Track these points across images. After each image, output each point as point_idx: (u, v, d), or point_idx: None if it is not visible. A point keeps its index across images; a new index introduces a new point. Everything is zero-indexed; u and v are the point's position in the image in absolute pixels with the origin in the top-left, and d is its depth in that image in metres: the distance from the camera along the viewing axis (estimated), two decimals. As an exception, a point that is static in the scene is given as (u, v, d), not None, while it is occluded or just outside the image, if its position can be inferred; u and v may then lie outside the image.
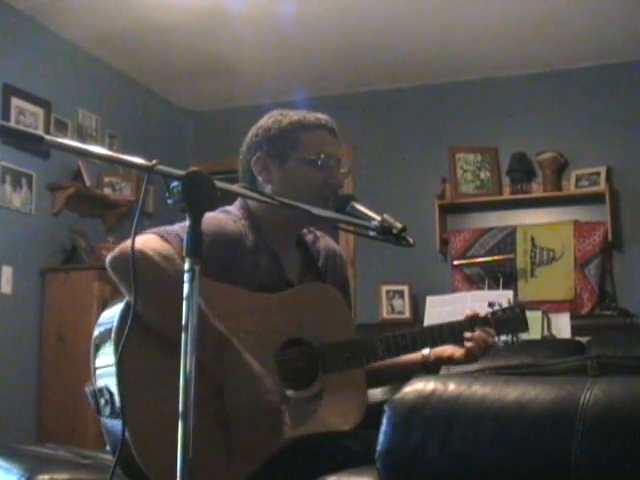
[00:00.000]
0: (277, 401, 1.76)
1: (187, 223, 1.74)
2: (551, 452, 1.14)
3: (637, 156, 5.11)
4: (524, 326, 2.20)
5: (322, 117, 2.05)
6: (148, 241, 1.76)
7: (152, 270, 1.71)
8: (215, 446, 1.71)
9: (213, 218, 1.88)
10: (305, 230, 2.13)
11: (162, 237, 1.79)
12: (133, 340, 1.58)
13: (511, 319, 2.17)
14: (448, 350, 2.09)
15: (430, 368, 2.11)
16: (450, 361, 2.10)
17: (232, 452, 1.73)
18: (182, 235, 1.79)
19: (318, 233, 2.18)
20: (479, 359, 2.10)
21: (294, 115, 2.04)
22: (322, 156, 1.99)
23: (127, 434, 1.59)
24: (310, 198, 1.90)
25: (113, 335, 1.71)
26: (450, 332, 2.08)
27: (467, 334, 2.07)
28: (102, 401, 1.73)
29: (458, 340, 2.08)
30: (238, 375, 1.73)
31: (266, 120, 2.06)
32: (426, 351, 2.11)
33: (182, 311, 1.31)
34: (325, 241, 2.18)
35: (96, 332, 1.82)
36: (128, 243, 1.70)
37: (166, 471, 1.51)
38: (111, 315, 1.76)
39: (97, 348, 1.80)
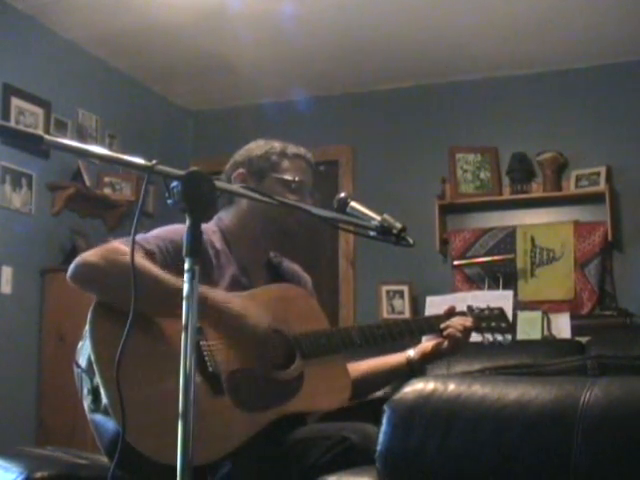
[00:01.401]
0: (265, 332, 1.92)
1: (151, 233, 1.98)
2: (551, 452, 1.14)
3: (637, 156, 5.11)
4: (507, 324, 2.25)
5: (303, 150, 2.25)
6: (99, 247, 1.92)
7: (122, 260, 1.82)
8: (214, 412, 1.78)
9: (176, 229, 2.01)
10: (272, 254, 2.26)
11: (125, 244, 1.92)
12: (109, 330, 1.71)
13: (490, 317, 2.24)
14: (431, 345, 2.16)
15: (416, 367, 2.17)
16: (435, 354, 2.16)
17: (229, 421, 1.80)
18: (145, 245, 1.94)
19: (283, 258, 2.31)
20: (463, 346, 2.15)
21: (277, 143, 2.24)
22: (297, 179, 2.17)
23: (115, 422, 1.67)
24: (282, 216, 2.09)
25: (88, 331, 1.81)
26: (427, 323, 2.19)
27: (443, 324, 2.16)
28: (85, 390, 1.80)
29: (436, 331, 2.16)
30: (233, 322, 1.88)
31: (251, 144, 2.27)
32: (410, 352, 2.18)
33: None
34: (290, 264, 2.32)
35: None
36: (78, 258, 1.89)
37: (161, 447, 1.57)
38: None
39: (81, 342, 1.88)
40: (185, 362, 1.29)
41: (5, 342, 4.36)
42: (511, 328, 2.24)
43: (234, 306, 1.89)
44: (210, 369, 1.83)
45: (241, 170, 2.20)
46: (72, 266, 1.89)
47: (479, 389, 1.24)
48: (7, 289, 4.41)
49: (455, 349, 2.14)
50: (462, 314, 2.20)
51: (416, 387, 1.29)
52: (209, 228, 2.12)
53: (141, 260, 1.84)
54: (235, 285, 2.03)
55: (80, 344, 1.88)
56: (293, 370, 1.94)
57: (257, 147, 2.24)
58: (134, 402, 1.68)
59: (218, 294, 1.90)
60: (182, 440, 1.26)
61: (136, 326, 1.76)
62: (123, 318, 1.74)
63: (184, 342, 1.30)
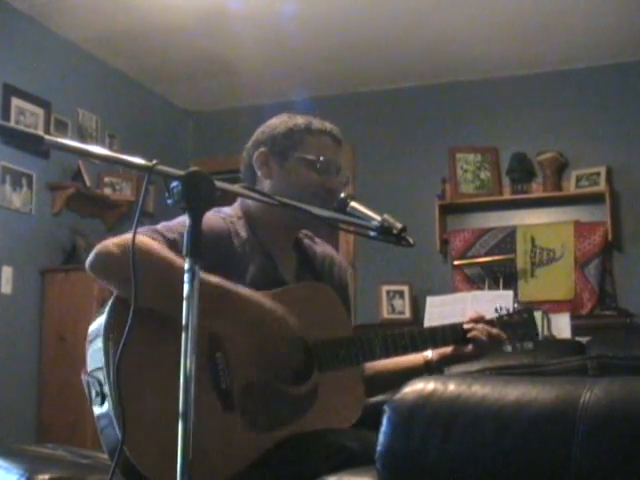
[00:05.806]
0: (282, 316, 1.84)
1: (175, 221, 1.80)
2: (551, 452, 1.14)
3: (637, 156, 5.11)
4: (533, 331, 2.12)
5: (328, 125, 2.08)
6: (125, 236, 1.78)
7: (144, 250, 1.73)
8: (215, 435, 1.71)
9: None
10: (302, 234, 2.14)
11: (146, 234, 1.82)
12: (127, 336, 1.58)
13: (518, 323, 2.11)
14: (451, 348, 2.06)
15: (433, 369, 2.07)
16: (455, 358, 2.06)
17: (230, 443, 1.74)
18: (167, 234, 1.83)
19: (316, 239, 2.18)
20: (486, 353, 2.04)
21: (301, 119, 2.07)
22: (321, 159, 2.01)
23: (121, 434, 1.58)
24: (306, 198, 1.90)
25: (103, 331, 1.72)
26: (451, 332, 2.05)
27: (468, 325, 2.03)
28: (93, 393, 1.74)
29: (459, 341, 2.04)
30: (259, 316, 1.80)
31: (274, 120, 2.10)
32: (428, 353, 2.07)
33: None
34: (323, 247, 2.18)
35: (90, 329, 1.84)
36: (100, 246, 1.77)
37: (162, 469, 1.52)
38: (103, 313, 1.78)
39: (90, 343, 1.81)
40: (185, 362, 1.28)
41: (5, 342, 4.36)
42: (537, 333, 2.12)
43: (263, 302, 1.81)
44: (223, 386, 1.76)
45: (262, 149, 2.04)
46: (92, 254, 1.77)
47: (479, 389, 1.24)
48: (7, 289, 4.41)
49: (479, 354, 2.03)
50: (490, 322, 2.07)
51: (416, 387, 1.29)
52: (234, 214, 2.00)
53: (167, 252, 1.73)
54: (261, 276, 1.94)
55: (90, 348, 1.79)
56: (308, 384, 1.87)
57: (280, 123, 2.07)
58: (143, 416, 1.63)
59: (244, 290, 1.81)
60: (182, 440, 1.26)
61: (163, 330, 1.67)
62: (146, 318, 1.65)
63: (184, 342, 1.30)
